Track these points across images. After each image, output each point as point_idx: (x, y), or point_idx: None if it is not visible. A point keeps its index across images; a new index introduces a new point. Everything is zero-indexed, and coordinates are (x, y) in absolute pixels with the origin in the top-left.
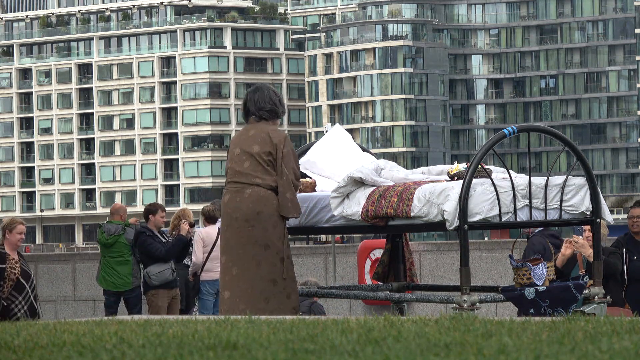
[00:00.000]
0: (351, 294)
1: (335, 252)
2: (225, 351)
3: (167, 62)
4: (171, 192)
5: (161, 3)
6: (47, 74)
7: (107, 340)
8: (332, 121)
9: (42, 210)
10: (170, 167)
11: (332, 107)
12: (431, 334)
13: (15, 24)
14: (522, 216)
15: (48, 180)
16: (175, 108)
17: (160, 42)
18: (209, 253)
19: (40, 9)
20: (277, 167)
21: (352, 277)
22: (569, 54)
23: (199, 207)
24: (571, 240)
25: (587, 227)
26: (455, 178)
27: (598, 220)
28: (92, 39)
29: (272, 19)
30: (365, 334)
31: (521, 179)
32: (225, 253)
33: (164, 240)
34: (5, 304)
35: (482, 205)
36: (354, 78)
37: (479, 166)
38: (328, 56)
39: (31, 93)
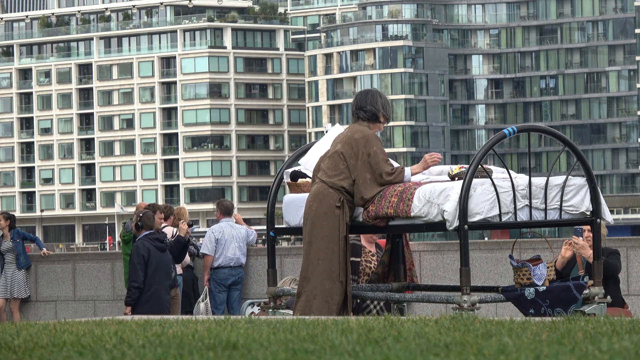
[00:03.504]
0: (351, 294)
1: None
2: (225, 351)
3: (167, 62)
4: (171, 192)
5: (161, 3)
6: (47, 74)
7: (107, 340)
8: (332, 121)
9: (42, 210)
10: (170, 167)
11: (332, 107)
12: (431, 334)
13: (15, 24)
14: (522, 216)
15: (48, 180)
16: (175, 108)
17: (160, 42)
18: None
19: (40, 9)
20: (356, 168)
21: None
22: (569, 54)
23: (199, 207)
24: (571, 242)
25: (587, 227)
26: (456, 178)
27: (598, 220)
28: (92, 39)
29: (272, 19)
30: (365, 334)
31: (521, 179)
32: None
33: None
34: (358, 300)
35: (482, 206)
36: (354, 78)
37: (479, 166)
38: (328, 56)
39: (31, 93)
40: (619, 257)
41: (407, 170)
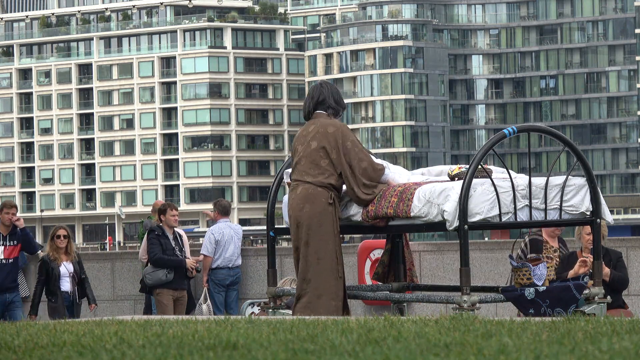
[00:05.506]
0: (351, 294)
1: None
2: (225, 351)
3: (167, 62)
4: (171, 192)
5: (161, 3)
6: (47, 74)
7: (107, 340)
8: None
9: (42, 211)
10: (170, 167)
11: None
12: (431, 334)
13: (15, 24)
14: (522, 216)
15: (48, 180)
16: (175, 108)
17: (160, 42)
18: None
19: (40, 9)
20: (340, 162)
21: (352, 277)
22: (569, 54)
23: (199, 207)
24: (586, 260)
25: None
26: (456, 179)
27: (598, 220)
28: (92, 39)
29: (272, 19)
30: (365, 334)
31: (521, 179)
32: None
33: (172, 243)
34: None
35: (482, 206)
36: (354, 78)
37: (479, 166)
38: (328, 56)
39: (31, 93)
40: (624, 264)
41: (387, 170)
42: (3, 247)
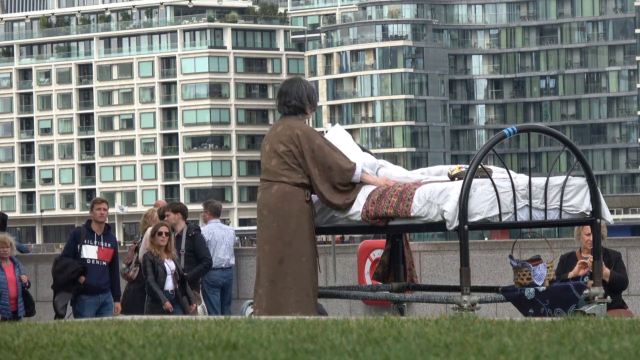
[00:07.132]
0: (351, 294)
1: (335, 252)
2: (225, 351)
3: (167, 62)
4: (171, 192)
5: (161, 3)
6: (47, 74)
7: (107, 340)
8: (332, 121)
9: (42, 211)
10: (170, 167)
11: (332, 107)
12: (431, 334)
13: (15, 24)
14: (522, 216)
15: (48, 181)
16: (175, 108)
17: (160, 42)
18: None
19: (40, 9)
20: (307, 167)
21: (352, 277)
22: (569, 54)
23: (199, 207)
24: (586, 262)
25: (587, 228)
26: (456, 179)
27: (598, 220)
28: (92, 39)
29: (272, 19)
30: (365, 334)
31: (521, 179)
32: (258, 249)
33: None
34: None
35: (482, 206)
36: (354, 78)
37: (479, 166)
38: (328, 56)
39: (31, 93)
40: (624, 265)
41: (359, 169)
42: (97, 247)
